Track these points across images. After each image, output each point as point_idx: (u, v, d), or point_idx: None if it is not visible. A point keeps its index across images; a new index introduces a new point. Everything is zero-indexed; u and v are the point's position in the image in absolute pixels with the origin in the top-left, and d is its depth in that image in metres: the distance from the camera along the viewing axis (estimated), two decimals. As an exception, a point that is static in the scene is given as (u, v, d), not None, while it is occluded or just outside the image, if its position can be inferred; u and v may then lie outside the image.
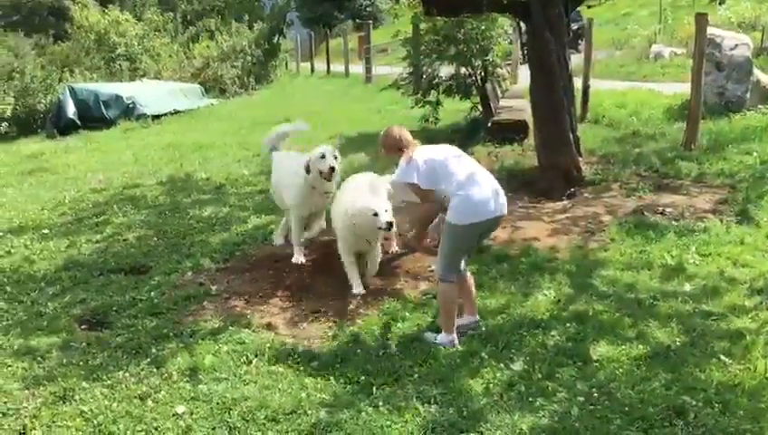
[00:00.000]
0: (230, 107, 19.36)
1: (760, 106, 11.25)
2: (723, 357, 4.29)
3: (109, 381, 4.41)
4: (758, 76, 11.59)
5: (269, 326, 5.14)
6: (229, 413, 3.99)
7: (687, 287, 5.32)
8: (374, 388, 4.19)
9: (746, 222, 6.60)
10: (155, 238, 7.19)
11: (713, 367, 4.19)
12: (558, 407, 3.88)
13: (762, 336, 4.52)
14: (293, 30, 29.18)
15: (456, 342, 4.64)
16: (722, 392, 3.90)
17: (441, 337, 4.67)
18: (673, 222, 6.73)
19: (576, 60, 11.24)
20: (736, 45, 11.40)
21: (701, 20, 9.26)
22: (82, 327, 5.28)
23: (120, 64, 22.71)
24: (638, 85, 14.93)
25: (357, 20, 37.97)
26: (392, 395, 4.09)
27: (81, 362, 4.69)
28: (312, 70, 29.22)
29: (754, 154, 8.70)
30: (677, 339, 4.56)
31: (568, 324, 4.82)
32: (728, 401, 3.81)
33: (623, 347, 4.48)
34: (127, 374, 4.49)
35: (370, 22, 26.80)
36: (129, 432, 3.88)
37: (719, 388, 3.95)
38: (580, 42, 16.12)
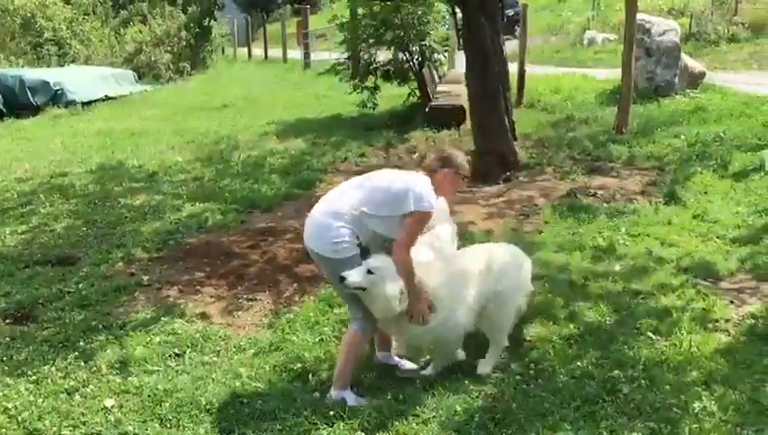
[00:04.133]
0: (164, 93, 18.89)
1: (687, 90, 11.61)
2: (650, 334, 4.40)
3: (34, 377, 4.26)
4: (686, 61, 11.95)
5: (203, 316, 5.05)
6: (161, 405, 3.90)
7: (617, 267, 5.45)
8: (310, 375, 4.16)
9: (674, 203, 6.81)
10: (84, 228, 6.96)
11: (641, 344, 4.29)
12: (492, 388, 3.92)
13: (687, 313, 4.66)
14: (229, 15, 28.66)
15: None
16: (649, 368, 4.00)
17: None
18: (604, 204, 6.89)
19: (512, 45, 11.37)
20: (665, 31, 11.71)
21: (631, 6, 9.48)
22: (6, 321, 5.07)
23: (47, 49, 21.85)
24: (573, 71, 15.21)
25: (295, 5, 37.50)
26: (328, 382, 4.05)
27: (4, 358, 4.51)
28: (250, 55, 28.80)
29: (682, 137, 8.97)
30: (607, 318, 4.66)
31: (502, 306, 4.87)
32: (655, 377, 3.91)
33: (555, 327, 4.56)
34: (53, 369, 4.34)
35: (308, 6, 26.50)
36: (55, 428, 3.75)
37: (647, 364, 4.05)
38: (516, 27, 16.29)
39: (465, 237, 6.13)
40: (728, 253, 5.66)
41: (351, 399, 3.88)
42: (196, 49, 24.24)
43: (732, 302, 4.89)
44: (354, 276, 3.68)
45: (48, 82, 16.14)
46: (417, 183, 3.83)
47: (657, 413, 3.60)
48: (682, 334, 4.38)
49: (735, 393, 3.75)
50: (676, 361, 4.09)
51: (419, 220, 3.78)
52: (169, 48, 23.21)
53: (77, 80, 17.19)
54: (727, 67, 15.02)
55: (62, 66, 20.42)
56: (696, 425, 3.50)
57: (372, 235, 3.82)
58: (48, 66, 20.37)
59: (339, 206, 3.83)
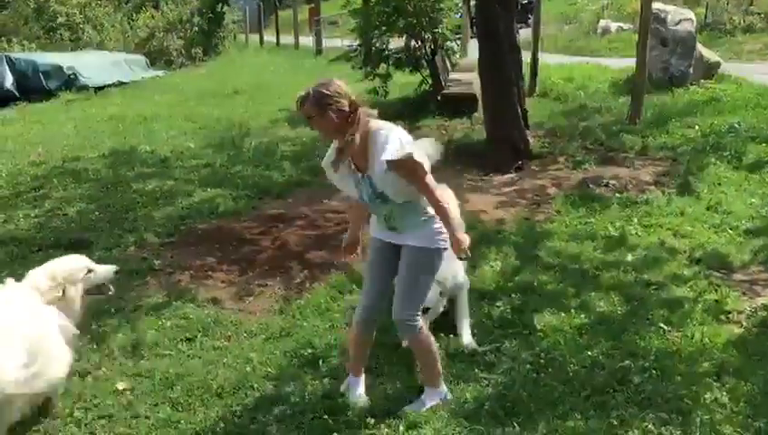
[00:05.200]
0: (176, 79, 18.90)
1: (702, 81, 11.51)
2: (662, 325, 4.39)
3: (46, 359, 4.29)
4: (701, 51, 11.84)
5: (214, 301, 5.07)
6: (172, 389, 3.92)
7: (629, 257, 5.43)
8: (320, 361, 4.17)
9: (687, 194, 6.76)
10: (96, 213, 6.99)
11: (652, 335, 4.28)
12: (503, 376, 3.91)
13: (699, 304, 4.65)
14: (242, 1, 28.58)
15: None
16: (660, 359, 3.99)
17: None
18: (616, 194, 6.86)
19: (525, 34, 11.29)
20: (680, 21, 11.60)
21: (646, -5, 9.38)
22: (19, 304, 5.11)
23: (60, 34, 21.92)
24: (586, 60, 15.11)
25: (307, -9, 37.34)
26: (338, 369, 4.07)
27: (17, 340, 4.54)
28: (262, 42, 28.73)
29: (696, 127, 8.91)
30: (619, 308, 4.65)
31: (513, 295, 4.87)
32: (666, 368, 3.90)
33: (566, 316, 4.54)
34: (66, 352, 4.37)
35: (321, -7, 26.39)
36: (68, 410, 3.77)
37: (658, 355, 4.04)
38: (529, 16, 16.18)
39: (477, 226, 6.14)
40: (741, 244, 5.63)
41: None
42: (208, 35, 24.17)
43: (744, 293, 4.88)
44: None
45: (61, 67, 16.18)
46: None
47: (667, 404, 3.60)
48: (694, 325, 4.37)
49: (747, 385, 3.74)
50: (687, 352, 4.08)
51: None
52: (181, 34, 23.23)
53: (90, 65, 17.23)
54: (743, 57, 14.89)
55: (74, 51, 20.45)
56: (707, 416, 3.49)
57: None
58: (61, 51, 20.40)
59: None
